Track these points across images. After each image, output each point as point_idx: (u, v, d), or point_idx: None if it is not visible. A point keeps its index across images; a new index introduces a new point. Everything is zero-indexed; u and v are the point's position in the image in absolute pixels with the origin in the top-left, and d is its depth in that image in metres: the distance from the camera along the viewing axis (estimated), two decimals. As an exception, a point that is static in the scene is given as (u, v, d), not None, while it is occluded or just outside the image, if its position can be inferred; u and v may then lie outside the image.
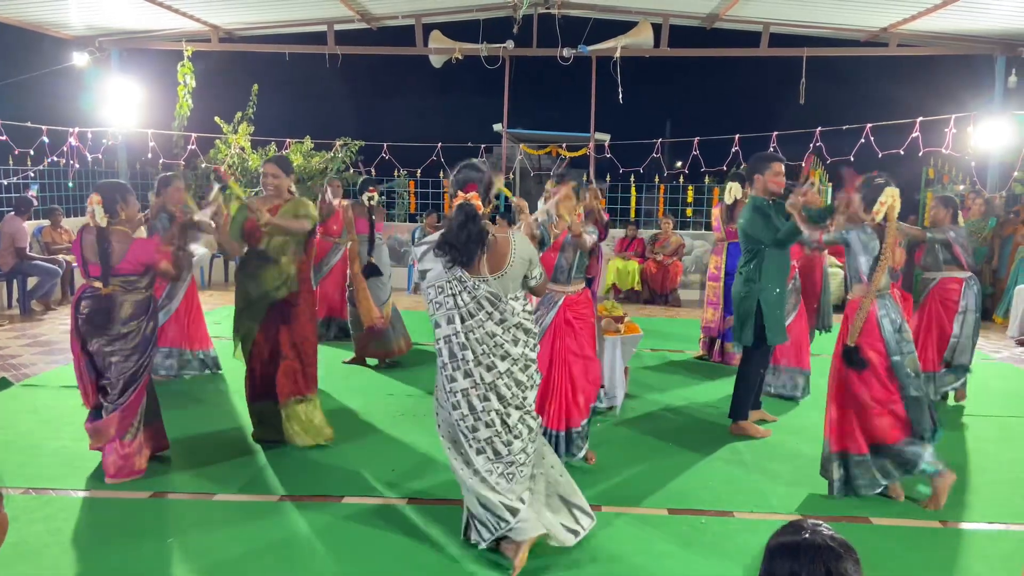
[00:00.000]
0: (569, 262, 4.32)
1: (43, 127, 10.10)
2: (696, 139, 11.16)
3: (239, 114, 11.99)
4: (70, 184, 11.01)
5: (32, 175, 10.26)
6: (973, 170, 10.20)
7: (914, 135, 9.81)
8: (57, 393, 5.67)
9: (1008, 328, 8.52)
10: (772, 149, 10.61)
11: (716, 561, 3.38)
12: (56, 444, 4.62)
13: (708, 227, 11.72)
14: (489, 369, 3.12)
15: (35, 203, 9.15)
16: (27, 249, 8.80)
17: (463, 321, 3.09)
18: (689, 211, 11.70)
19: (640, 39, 10.35)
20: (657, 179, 13.42)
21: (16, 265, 8.67)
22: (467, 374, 3.11)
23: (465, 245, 3.05)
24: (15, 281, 8.87)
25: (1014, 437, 5.05)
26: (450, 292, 3.09)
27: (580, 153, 12.14)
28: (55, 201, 10.43)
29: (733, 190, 6.67)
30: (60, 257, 9.27)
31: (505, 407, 3.16)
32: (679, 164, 12.24)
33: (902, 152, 10.04)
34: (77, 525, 3.59)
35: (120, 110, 10.95)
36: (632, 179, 11.30)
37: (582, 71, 10.97)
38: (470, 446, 3.17)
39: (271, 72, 13.09)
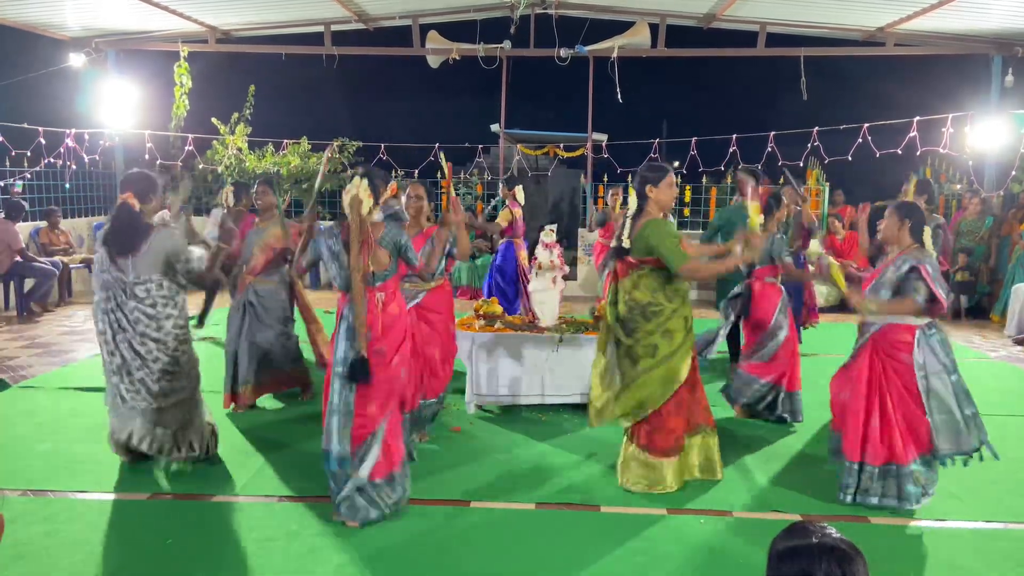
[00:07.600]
0: None
1: (39, 128, 10.08)
2: (693, 139, 11.17)
3: (236, 115, 11.98)
4: (67, 186, 10.98)
5: (28, 175, 10.23)
6: (971, 169, 10.23)
7: (911, 135, 9.83)
8: (54, 395, 5.66)
9: (1006, 327, 8.52)
10: (770, 149, 10.64)
11: (716, 561, 3.37)
12: (53, 446, 4.60)
13: (705, 227, 11.71)
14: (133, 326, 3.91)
15: (25, 205, 9.10)
16: (26, 250, 8.79)
17: (112, 290, 3.89)
18: (687, 211, 11.72)
19: (637, 39, 10.36)
20: None
21: (12, 267, 8.65)
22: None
23: (118, 233, 3.88)
24: (11, 283, 8.85)
25: (1012, 436, 5.05)
26: (101, 269, 3.91)
27: (578, 153, 12.14)
28: (52, 203, 10.40)
29: None
30: (57, 258, 9.25)
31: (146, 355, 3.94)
32: (676, 164, 12.23)
33: (899, 152, 10.07)
34: (75, 527, 3.58)
35: (117, 111, 10.93)
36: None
37: (579, 71, 10.99)
38: None
39: (268, 73, 13.09)
